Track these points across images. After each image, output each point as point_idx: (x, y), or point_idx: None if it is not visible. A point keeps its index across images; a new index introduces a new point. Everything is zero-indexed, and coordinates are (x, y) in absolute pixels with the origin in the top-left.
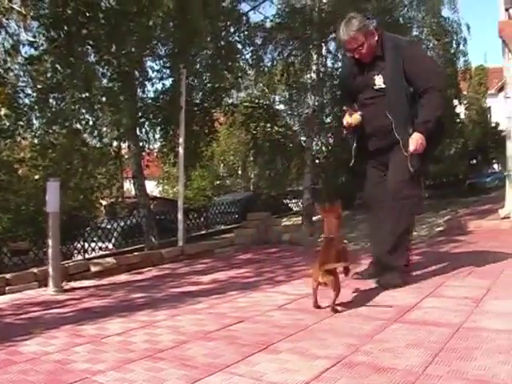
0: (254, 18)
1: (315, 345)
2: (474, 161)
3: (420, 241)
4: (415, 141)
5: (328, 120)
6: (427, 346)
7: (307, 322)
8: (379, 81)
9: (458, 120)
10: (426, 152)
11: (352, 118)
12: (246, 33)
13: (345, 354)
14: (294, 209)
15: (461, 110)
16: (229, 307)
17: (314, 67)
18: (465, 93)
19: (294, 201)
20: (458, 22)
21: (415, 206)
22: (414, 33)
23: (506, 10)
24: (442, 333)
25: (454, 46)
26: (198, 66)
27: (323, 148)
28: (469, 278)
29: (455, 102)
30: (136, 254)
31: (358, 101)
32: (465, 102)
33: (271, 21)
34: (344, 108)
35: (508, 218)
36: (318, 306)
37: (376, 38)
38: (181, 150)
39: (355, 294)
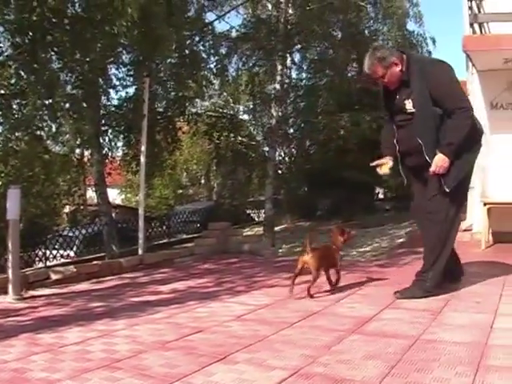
0: (220, 27)
1: (272, 356)
2: None
3: (381, 252)
4: (435, 162)
5: (291, 131)
6: (384, 358)
7: (265, 332)
8: (409, 105)
9: None
10: (463, 171)
11: (383, 170)
12: (210, 42)
13: (301, 365)
14: (257, 219)
15: None
16: (187, 317)
17: (278, 78)
18: None
19: (256, 211)
20: (423, 35)
21: (443, 223)
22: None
23: (471, 24)
24: (399, 344)
25: None
26: (162, 75)
27: (286, 159)
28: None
29: None
30: (96, 262)
31: (394, 122)
32: None
33: (237, 31)
34: (372, 164)
35: (470, 230)
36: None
37: (399, 68)
38: (142, 158)
39: (315, 305)
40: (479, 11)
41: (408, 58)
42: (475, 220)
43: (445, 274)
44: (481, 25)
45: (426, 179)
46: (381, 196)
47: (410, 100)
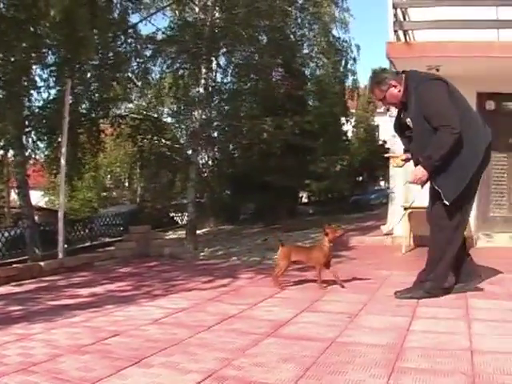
0: (147, 29)
1: (187, 359)
2: (360, 178)
3: None
4: (414, 173)
5: (215, 134)
6: (299, 361)
7: (181, 336)
8: (410, 123)
9: (345, 138)
10: (463, 184)
11: (396, 162)
12: (134, 44)
13: (216, 368)
14: (180, 222)
15: (348, 127)
16: (105, 321)
17: (202, 81)
18: (353, 111)
19: (179, 214)
20: (349, 41)
21: (445, 230)
22: (305, 51)
23: (395, 31)
24: (315, 347)
25: (344, 64)
26: (85, 76)
27: (209, 162)
28: (346, 293)
29: (343, 119)
30: (15, 265)
31: (405, 137)
32: (353, 120)
33: (163, 33)
34: (386, 155)
35: (390, 234)
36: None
37: (398, 89)
38: (62, 159)
39: (233, 308)
40: (404, 19)
41: (406, 79)
42: (396, 224)
43: (446, 278)
44: (405, 32)
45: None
46: (305, 200)
47: (409, 119)
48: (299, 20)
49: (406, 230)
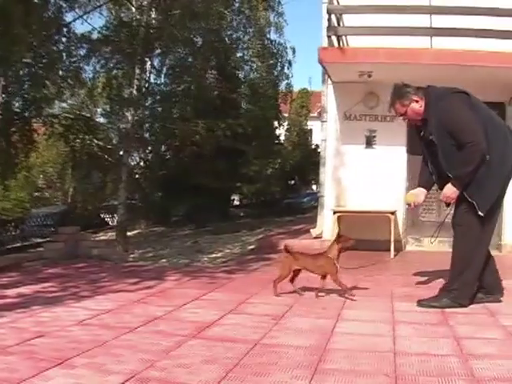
0: (83, 28)
1: (111, 360)
2: (292, 181)
3: (231, 258)
4: (444, 193)
5: (147, 136)
6: (222, 362)
7: (106, 337)
8: (434, 139)
9: (277, 141)
10: (496, 194)
11: (407, 199)
12: (68, 43)
13: (139, 370)
14: (111, 224)
15: (281, 131)
16: (30, 322)
17: (136, 82)
18: (286, 115)
19: (111, 215)
20: (284, 45)
21: (471, 238)
22: (239, 54)
23: (329, 37)
24: (238, 349)
25: (279, 68)
26: (19, 74)
27: (141, 163)
28: (272, 295)
29: (275, 123)
30: None
31: (427, 154)
32: (286, 123)
33: (99, 32)
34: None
35: (320, 237)
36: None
37: (419, 105)
38: None
39: (159, 310)
40: (338, 24)
41: (426, 95)
42: (325, 228)
43: (473, 287)
44: (339, 37)
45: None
46: (237, 203)
47: (432, 136)
48: (235, 23)
49: (335, 234)
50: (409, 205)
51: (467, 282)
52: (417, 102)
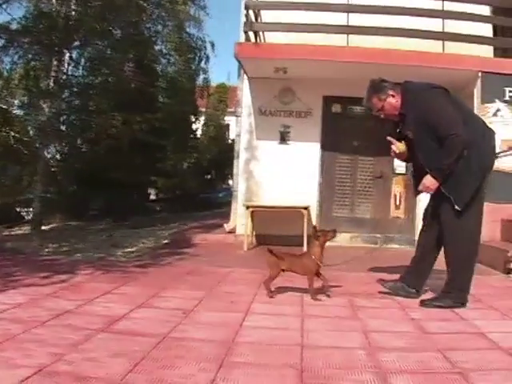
0: (1, 18)
1: (19, 354)
2: (209, 176)
3: (145, 252)
4: (423, 183)
5: (63, 128)
6: (130, 356)
7: (16, 331)
8: (411, 134)
9: (194, 136)
10: (473, 188)
11: (397, 147)
12: None
13: (47, 363)
14: (27, 217)
15: (199, 126)
16: None
17: (53, 74)
18: (203, 110)
19: (26, 209)
20: (203, 39)
21: (462, 241)
22: (158, 47)
23: (245, 32)
24: (147, 342)
25: (197, 62)
26: None
27: (58, 156)
28: (183, 289)
29: (192, 118)
30: None
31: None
32: (203, 118)
33: (18, 23)
34: (388, 138)
35: (233, 232)
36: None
37: (396, 100)
38: None
39: (70, 304)
40: (257, 20)
41: (403, 90)
42: (238, 222)
43: (470, 284)
44: (256, 33)
45: (438, 195)
46: (153, 197)
47: (410, 132)
48: (154, 16)
49: (248, 229)
50: (396, 154)
51: (466, 280)
52: (393, 96)
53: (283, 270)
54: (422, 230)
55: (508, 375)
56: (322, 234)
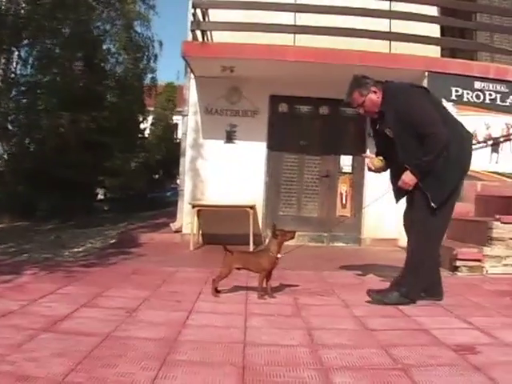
0: None
1: None
2: (157, 175)
3: (91, 252)
4: (403, 179)
5: (11, 127)
6: (72, 355)
7: None
8: (390, 133)
9: (142, 135)
10: (450, 187)
11: (373, 164)
12: None
13: None
14: None
15: (147, 125)
16: None
17: (1, 72)
18: (152, 109)
19: None
20: (152, 38)
21: (426, 239)
22: (106, 46)
23: (193, 31)
24: (89, 342)
25: (145, 61)
26: None
27: (5, 156)
28: (128, 289)
29: (140, 117)
30: None
31: (382, 147)
32: (151, 117)
33: None
34: (363, 155)
35: (179, 231)
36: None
37: (377, 96)
38: None
39: (14, 304)
40: (204, 19)
41: (384, 88)
42: (185, 221)
43: (425, 282)
44: (204, 32)
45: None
46: (101, 197)
47: (389, 130)
48: (104, 15)
49: (195, 228)
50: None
51: (419, 277)
52: (375, 93)
53: (238, 269)
54: (408, 235)
55: (450, 371)
56: (280, 233)
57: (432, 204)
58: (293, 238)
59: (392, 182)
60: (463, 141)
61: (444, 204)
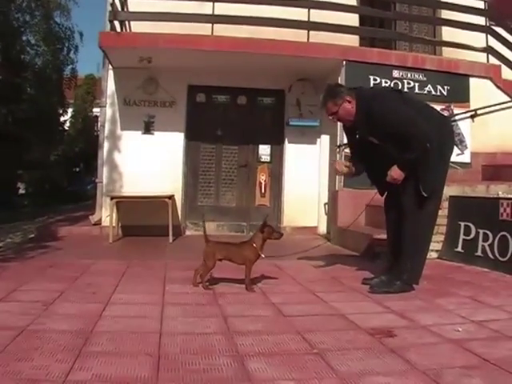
0: None
1: None
2: (77, 169)
3: (9, 248)
4: (391, 174)
5: None
6: None
7: None
8: (375, 140)
9: (61, 128)
10: (440, 178)
11: (341, 168)
12: None
13: None
14: None
15: (66, 118)
16: None
17: None
18: (71, 101)
19: None
20: (72, 29)
21: (420, 226)
22: (25, 37)
23: (110, 21)
24: (4, 336)
25: (65, 52)
26: None
27: None
28: (44, 282)
29: (60, 109)
30: None
31: (363, 149)
32: (70, 110)
33: None
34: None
35: (99, 224)
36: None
37: (352, 105)
38: None
39: None
40: (123, 9)
41: (357, 97)
42: (104, 214)
43: (422, 268)
44: (122, 23)
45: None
46: (22, 191)
47: (372, 138)
48: (24, 5)
49: (113, 220)
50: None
51: (418, 263)
52: (349, 102)
53: (220, 260)
54: (387, 222)
55: (366, 354)
56: (268, 229)
57: (423, 193)
58: (277, 238)
59: (373, 179)
60: (442, 128)
61: (435, 191)
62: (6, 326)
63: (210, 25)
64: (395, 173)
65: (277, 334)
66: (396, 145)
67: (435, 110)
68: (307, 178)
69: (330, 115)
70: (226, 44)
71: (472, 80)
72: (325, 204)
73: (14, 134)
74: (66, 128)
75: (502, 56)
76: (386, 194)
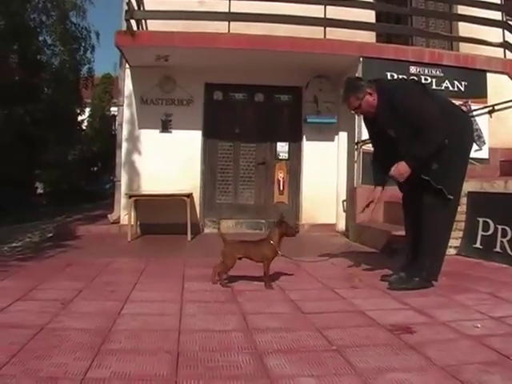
0: None
1: None
2: (95, 168)
3: (28, 247)
4: (397, 168)
5: None
6: (6, 348)
7: None
8: (392, 133)
9: (79, 127)
10: (461, 180)
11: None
12: None
13: None
14: None
15: (84, 117)
16: None
17: None
18: (89, 101)
19: None
20: (88, 28)
21: (441, 223)
22: (42, 38)
23: (127, 20)
24: (24, 334)
25: (82, 52)
26: None
27: None
28: (63, 281)
29: (77, 109)
30: None
31: (384, 143)
32: (88, 109)
33: None
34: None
35: (117, 222)
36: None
37: (373, 97)
38: None
39: None
40: (139, 8)
41: (378, 89)
42: (122, 212)
43: (442, 265)
44: (139, 22)
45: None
46: (41, 191)
47: (391, 130)
48: (40, 6)
49: (132, 218)
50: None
51: (437, 260)
52: (370, 94)
53: (239, 258)
54: (405, 220)
55: (385, 350)
56: (284, 225)
57: (449, 196)
58: (294, 235)
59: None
60: (464, 127)
61: (457, 191)
62: (25, 325)
63: (224, 22)
64: (402, 167)
65: (295, 331)
66: (412, 138)
67: (457, 106)
68: (325, 174)
69: (353, 109)
70: (243, 42)
71: (489, 75)
72: (343, 201)
73: (32, 134)
74: (84, 128)
75: None
76: (404, 191)
